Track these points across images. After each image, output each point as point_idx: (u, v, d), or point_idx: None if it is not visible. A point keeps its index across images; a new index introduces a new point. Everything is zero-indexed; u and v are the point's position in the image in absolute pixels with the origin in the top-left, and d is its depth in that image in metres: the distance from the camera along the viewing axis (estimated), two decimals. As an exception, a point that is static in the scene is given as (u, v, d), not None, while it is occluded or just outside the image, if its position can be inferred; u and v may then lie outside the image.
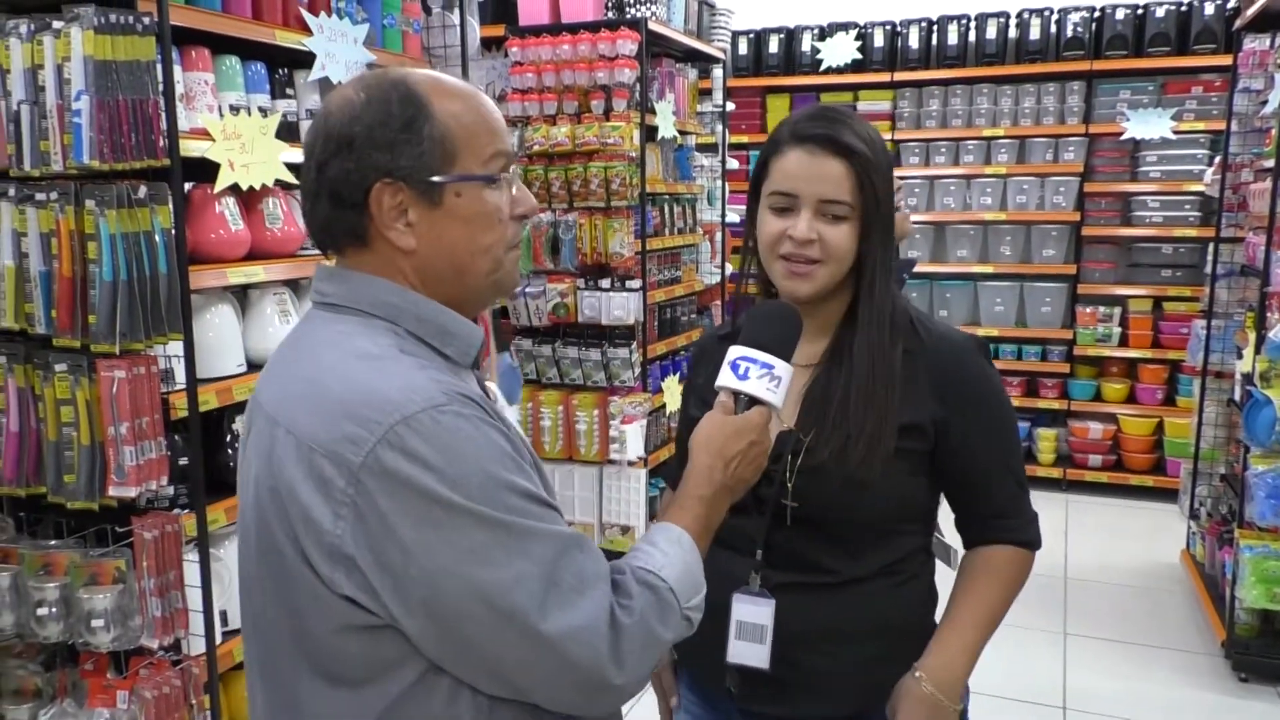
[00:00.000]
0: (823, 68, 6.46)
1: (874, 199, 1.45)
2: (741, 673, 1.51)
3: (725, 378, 1.32)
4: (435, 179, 1.11)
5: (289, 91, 2.89)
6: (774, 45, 6.67)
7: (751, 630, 1.49)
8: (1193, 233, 5.80)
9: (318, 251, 2.94)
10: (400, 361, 1.08)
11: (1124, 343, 6.03)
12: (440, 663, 1.05)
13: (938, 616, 1.61)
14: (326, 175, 1.11)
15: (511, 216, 1.18)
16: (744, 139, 6.80)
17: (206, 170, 2.50)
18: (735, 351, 1.33)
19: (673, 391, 4.62)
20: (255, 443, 1.13)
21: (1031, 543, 1.57)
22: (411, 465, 0.99)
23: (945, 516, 1.66)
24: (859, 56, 6.38)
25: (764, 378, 1.30)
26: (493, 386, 1.35)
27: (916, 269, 6.29)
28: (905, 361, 1.49)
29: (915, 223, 6.29)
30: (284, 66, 2.88)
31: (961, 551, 1.63)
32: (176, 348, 2.37)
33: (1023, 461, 1.60)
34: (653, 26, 4.32)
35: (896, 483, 1.48)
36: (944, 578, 1.65)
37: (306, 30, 2.78)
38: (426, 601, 1.01)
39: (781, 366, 1.31)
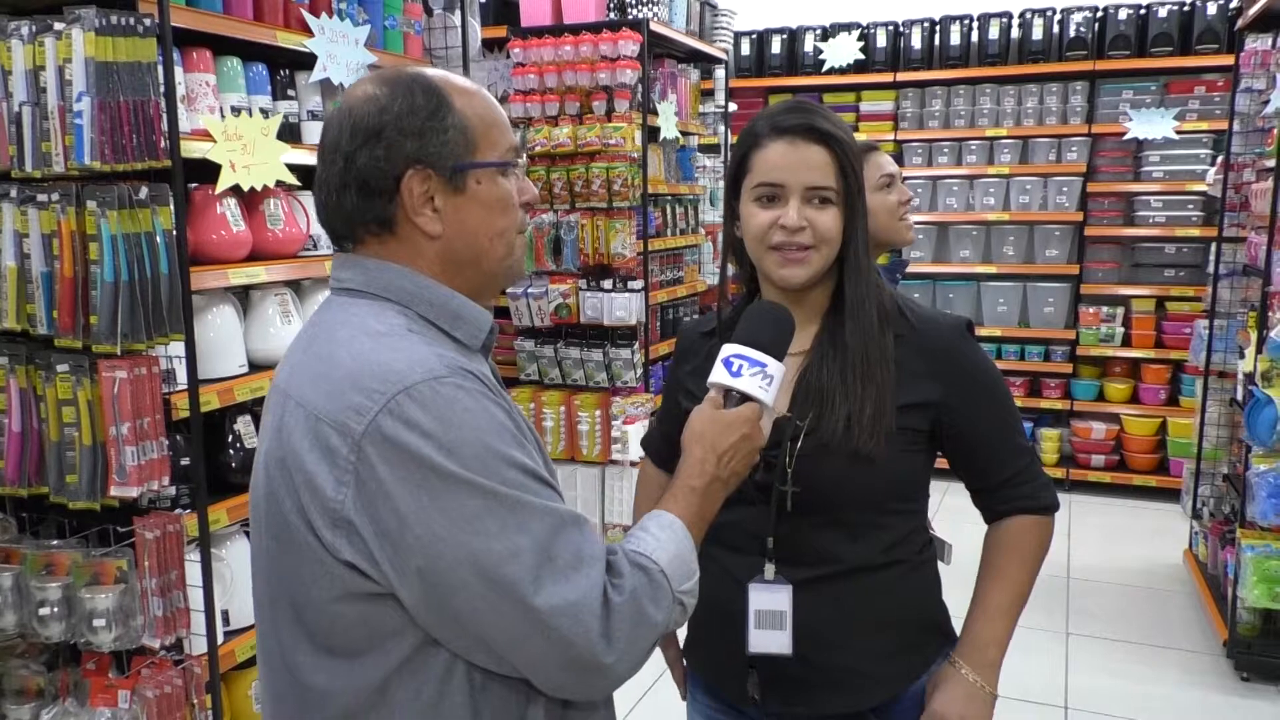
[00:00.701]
0: (825, 68, 6.46)
1: (855, 182, 1.49)
2: (760, 671, 1.53)
3: (718, 374, 1.33)
4: (460, 165, 1.16)
5: (290, 93, 2.90)
6: (776, 46, 6.67)
7: (770, 617, 1.50)
8: (1195, 232, 5.79)
9: (321, 251, 2.95)
10: (407, 338, 1.11)
11: (1127, 343, 6.03)
12: (434, 633, 1.07)
13: (946, 598, 1.63)
14: (356, 165, 1.14)
15: (519, 204, 1.24)
16: (746, 139, 6.79)
17: (208, 171, 2.51)
18: (729, 349, 1.34)
19: (675, 392, 4.61)
20: (269, 420, 1.16)
21: (1047, 507, 1.60)
22: (409, 433, 1.02)
23: (942, 514, 1.66)
24: (861, 57, 6.38)
25: (757, 375, 1.31)
26: None
27: (921, 270, 6.30)
28: (897, 345, 1.51)
29: (918, 223, 6.29)
30: (285, 68, 2.88)
31: (952, 545, 1.64)
32: (178, 348, 2.38)
33: (1024, 429, 1.63)
34: (654, 27, 4.33)
35: (898, 458, 1.50)
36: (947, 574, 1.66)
37: (308, 32, 2.79)
38: (422, 570, 1.03)
39: (774, 365, 1.32)
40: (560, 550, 1.06)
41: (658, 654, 1.76)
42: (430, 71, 1.19)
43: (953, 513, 1.74)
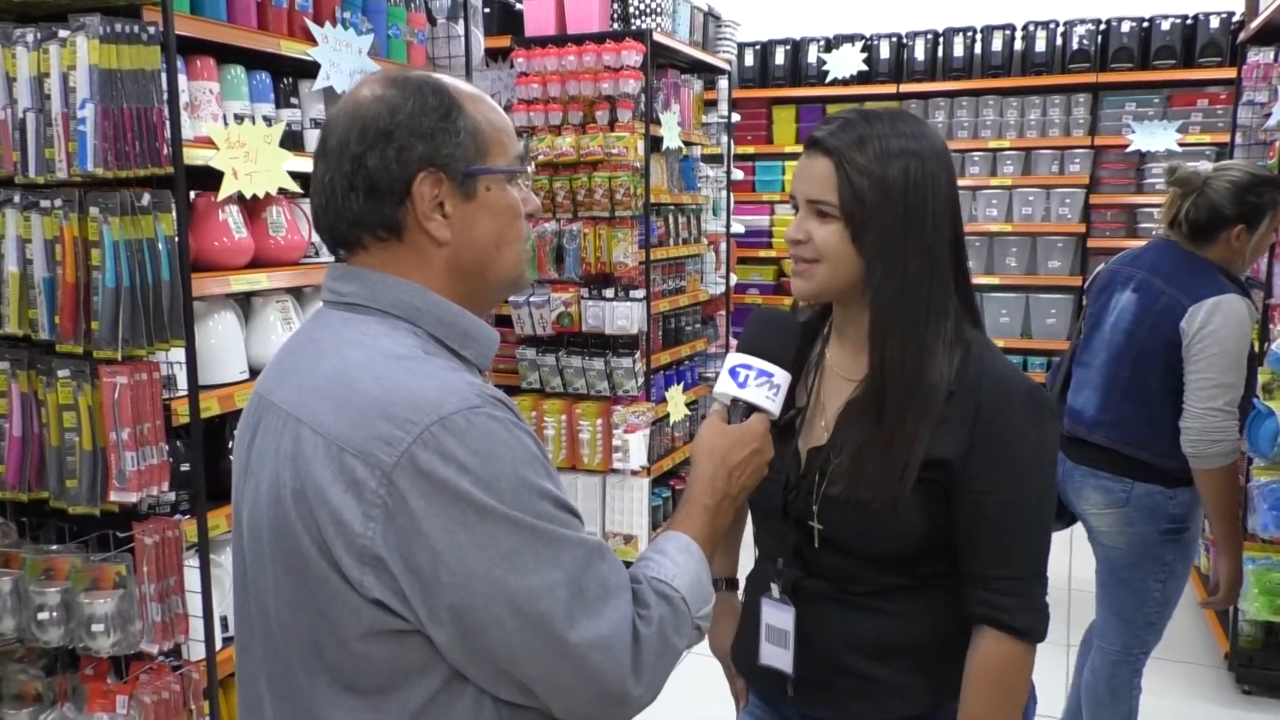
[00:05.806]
0: (829, 79, 6.48)
1: (854, 198, 1.35)
2: (771, 675, 1.53)
3: (724, 384, 1.32)
4: (471, 170, 1.13)
5: (293, 101, 2.91)
6: (780, 57, 6.69)
7: (777, 635, 1.49)
8: (1198, 245, 5.79)
9: (323, 259, 2.95)
10: (429, 362, 1.07)
11: (1129, 354, 6.01)
12: (462, 669, 1.04)
13: None
14: (366, 167, 1.10)
15: (524, 214, 1.22)
16: (749, 150, 6.81)
17: (211, 178, 2.52)
18: (734, 359, 1.33)
19: (676, 401, 4.63)
20: (269, 444, 1.10)
21: (1018, 629, 1.38)
22: (446, 466, 0.98)
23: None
24: (865, 68, 6.40)
25: (763, 385, 1.30)
26: None
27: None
28: (948, 401, 1.39)
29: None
30: (289, 76, 2.90)
31: None
32: (178, 354, 2.38)
33: (1046, 546, 1.42)
34: (658, 38, 4.34)
35: (914, 516, 1.40)
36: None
37: (312, 40, 2.80)
38: (455, 607, 0.99)
39: (780, 374, 1.31)
40: (589, 582, 1.04)
41: None
42: (438, 75, 1.17)
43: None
